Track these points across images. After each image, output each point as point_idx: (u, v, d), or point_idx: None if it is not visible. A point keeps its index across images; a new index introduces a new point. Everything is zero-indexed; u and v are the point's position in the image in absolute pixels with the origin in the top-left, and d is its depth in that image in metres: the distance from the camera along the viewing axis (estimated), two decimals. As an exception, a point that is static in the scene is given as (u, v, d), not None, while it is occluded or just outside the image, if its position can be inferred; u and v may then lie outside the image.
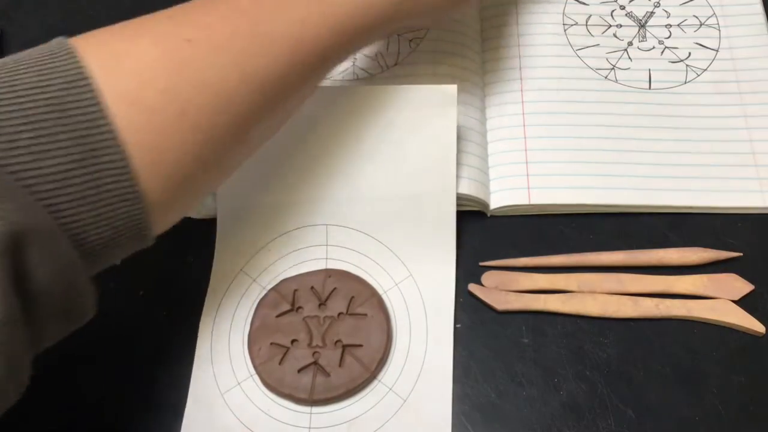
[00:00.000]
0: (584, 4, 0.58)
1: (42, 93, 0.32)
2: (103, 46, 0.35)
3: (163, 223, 0.38)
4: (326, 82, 0.55)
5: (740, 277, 0.47)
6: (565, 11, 0.58)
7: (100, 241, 0.34)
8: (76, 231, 0.33)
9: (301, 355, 0.45)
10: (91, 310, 0.36)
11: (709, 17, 0.57)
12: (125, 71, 0.35)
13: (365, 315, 0.46)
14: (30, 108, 0.32)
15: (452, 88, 0.49)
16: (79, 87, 0.33)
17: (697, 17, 0.57)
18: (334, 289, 0.47)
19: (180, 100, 0.36)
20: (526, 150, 0.52)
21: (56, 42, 0.35)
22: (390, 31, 0.46)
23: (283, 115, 0.43)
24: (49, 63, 0.33)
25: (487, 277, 0.48)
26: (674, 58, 0.55)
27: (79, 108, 0.33)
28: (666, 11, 0.58)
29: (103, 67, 0.34)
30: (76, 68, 0.33)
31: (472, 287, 0.48)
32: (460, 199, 0.49)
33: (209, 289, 0.48)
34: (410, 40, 0.56)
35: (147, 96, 0.35)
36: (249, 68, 0.38)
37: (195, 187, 0.39)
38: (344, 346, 0.45)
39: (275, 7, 0.39)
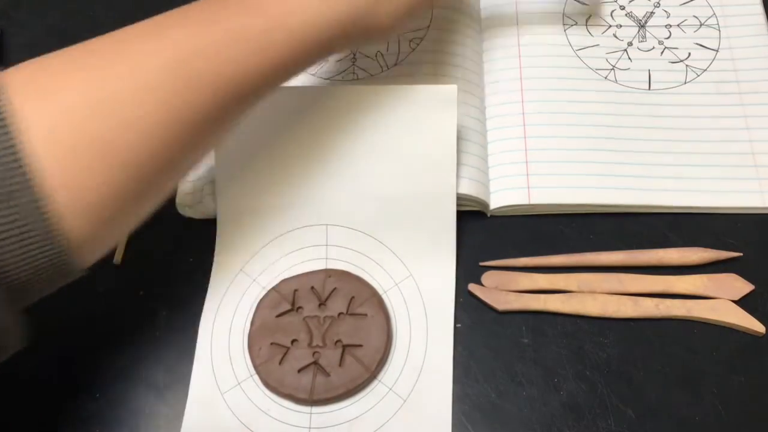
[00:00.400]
0: (584, 4, 0.58)
1: None
2: (30, 82, 0.35)
3: (90, 257, 0.37)
4: (327, 82, 0.55)
5: (740, 277, 0.47)
6: (565, 11, 0.58)
7: (23, 279, 0.34)
8: None
9: (301, 355, 0.45)
10: (14, 345, 0.35)
11: (709, 17, 0.57)
12: (49, 110, 0.34)
13: (365, 315, 0.46)
14: None
15: (452, 88, 0.49)
16: (0, 126, 0.33)
17: (697, 17, 0.57)
18: (334, 289, 0.47)
19: (103, 139, 0.35)
20: (526, 150, 0.52)
21: None
22: (338, 50, 0.45)
23: (214, 143, 0.42)
24: None
25: (487, 277, 0.48)
26: (674, 58, 0.55)
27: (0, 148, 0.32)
28: (666, 11, 0.58)
29: (28, 104, 0.34)
30: None
31: (472, 287, 0.48)
32: (460, 199, 0.49)
33: (209, 289, 0.48)
34: (410, 40, 0.56)
35: (69, 135, 0.34)
36: (177, 105, 0.37)
37: (121, 221, 0.38)
38: (344, 346, 0.45)
39: (205, 44, 0.38)
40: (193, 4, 0.40)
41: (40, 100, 0.34)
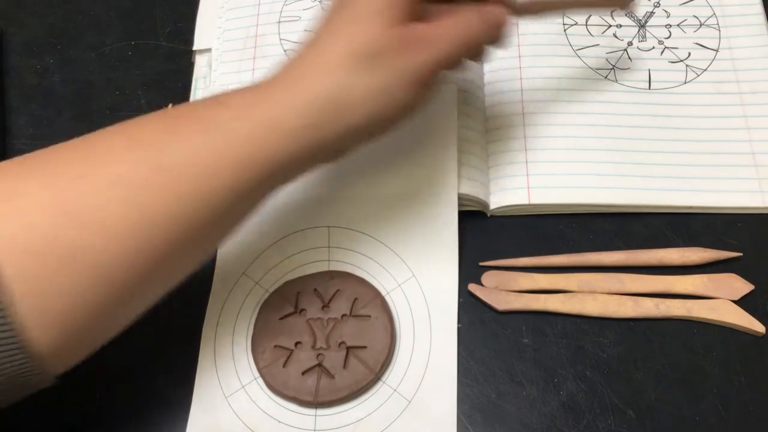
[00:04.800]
0: (584, 3, 0.58)
1: None
2: None
3: (60, 366, 0.36)
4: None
5: (740, 277, 0.47)
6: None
7: None
8: None
9: (305, 358, 0.45)
10: None
11: (709, 17, 0.57)
12: (11, 215, 0.33)
13: (369, 316, 0.46)
14: None
15: (452, 88, 0.49)
16: None
17: (697, 17, 0.57)
18: (337, 290, 0.47)
19: (68, 243, 0.34)
20: (526, 150, 0.52)
21: None
22: (323, 160, 0.42)
23: (198, 251, 0.40)
24: None
25: (487, 277, 0.48)
26: (674, 58, 0.55)
27: None
28: (666, 11, 0.58)
29: None
30: None
31: (472, 287, 0.48)
32: (460, 199, 0.49)
33: (212, 293, 0.48)
34: (411, 40, 0.56)
35: (33, 241, 0.33)
36: (145, 204, 0.35)
37: (92, 331, 0.37)
38: (348, 348, 0.45)
39: (174, 138, 0.37)
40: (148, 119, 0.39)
41: (3, 204, 0.33)
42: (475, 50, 0.44)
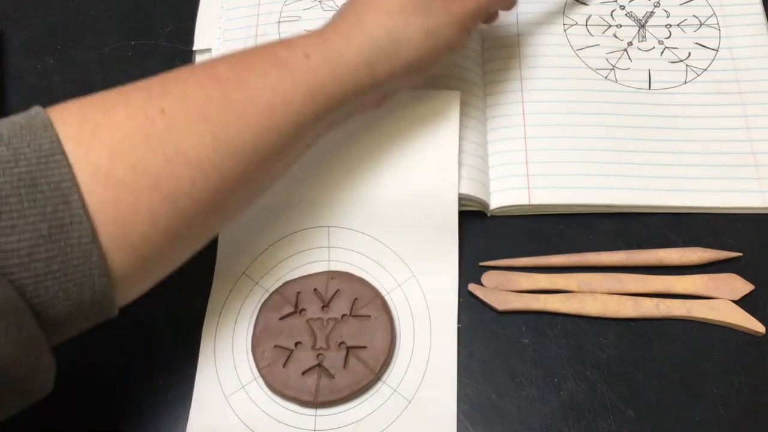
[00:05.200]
0: (584, 4, 0.58)
1: (15, 167, 0.32)
2: (78, 118, 0.35)
3: (127, 297, 0.38)
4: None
5: (740, 277, 0.47)
6: (565, 11, 0.58)
7: (64, 315, 0.34)
8: (40, 305, 0.33)
9: (305, 358, 0.45)
10: (49, 385, 0.36)
11: (709, 17, 0.57)
12: (98, 145, 0.35)
13: (369, 316, 0.46)
14: (0, 183, 0.32)
15: (455, 94, 0.49)
16: (52, 162, 0.33)
17: (697, 17, 0.57)
18: (337, 290, 0.47)
19: (152, 173, 0.35)
20: (526, 150, 0.52)
21: (34, 111, 0.35)
22: (370, 102, 0.45)
23: (261, 184, 0.42)
24: (25, 136, 0.33)
25: (487, 277, 0.48)
26: (674, 58, 0.55)
27: (51, 183, 0.33)
28: (666, 11, 0.58)
29: (77, 139, 0.34)
30: (50, 142, 0.33)
31: (472, 287, 0.48)
32: (461, 199, 0.49)
33: (212, 292, 0.48)
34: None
35: (118, 170, 0.35)
36: (222, 135, 0.38)
37: (164, 260, 0.38)
38: (348, 348, 0.45)
39: (249, 74, 0.39)
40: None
41: (90, 134, 0.35)
42: (507, 2, 0.50)
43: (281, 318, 0.46)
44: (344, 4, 0.44)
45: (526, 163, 0.51)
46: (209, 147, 0.37)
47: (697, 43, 0.56)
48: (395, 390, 0.45)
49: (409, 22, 0.43)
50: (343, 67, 0.41)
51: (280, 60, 0.41)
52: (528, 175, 0.51)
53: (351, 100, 0.43)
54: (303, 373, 0.44)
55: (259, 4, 0.60)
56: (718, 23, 0.57)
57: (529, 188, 0.50)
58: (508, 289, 0.48)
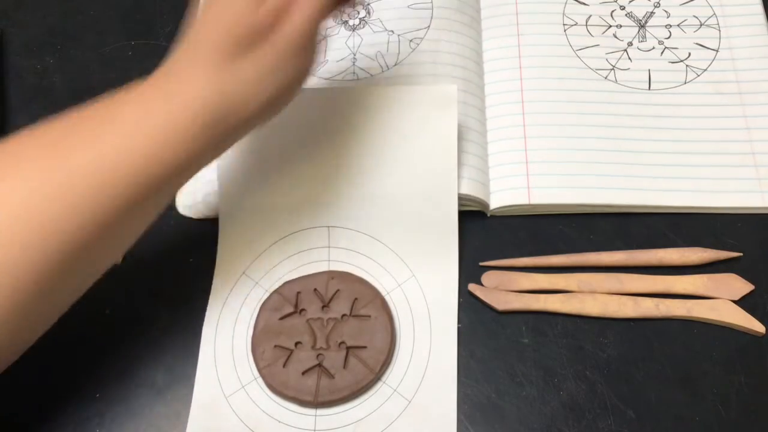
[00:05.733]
0: (584, 4, 0.58)
1: None
2: None
3: None
4: (327, 83, 0.55)
5: (740, 277, 0.47)
6: (565, 11, 0.58)
7: None
8: None
9: (305, 358, 0.45)
10: None
11: (709, 17, 0.57)
12: None
13: (369, 316, 0.46)
14: None
15: (452, 89, 0.49)
16: None
17: (697, 17, 0.57)
18: (337, 290, 0.47)
19: None
20: (526, 150, 0.52)
21: None
22: (226, 149, 0.41)
23: (108, 253, 0.39)
24: None
25: (487, 277, 0.48)
26: (674, 58, 0.56)
27: None
28: (666, 11, 0.58)
29: None
30: None
31: (472, 287, 0.48)
32: (460, 199, 0.49)
33: (212, 292, 0.48)
34: (410, 40, 0.56)
35: None
36: (46, 219, 0.35)
37: None
38: (348, 348, 0.45)
39: (79, 144, 0.36)
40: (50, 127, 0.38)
41: None
42: None
43: (281, 318, 0.46)
44: (167, 60, 0.39)
45: (526, 163, 0.51)
46: (28, 229, 0.34)
47: (697, 44, 0.56)
48: (395, 390, 0.45)
49: (238, 73, 0.37)
50: (179, 134, 0.37)
51: (110, 121, 0.37)
52: (528, 175, 0.51)
53: (201, 157, 0.39)
54: (303, 373, 0.44)
55: (259, 4, 0.60)
56: (718, 23, 0.57)
57: (529, 188, 0.50)
58: (508, 289, 0.48)
